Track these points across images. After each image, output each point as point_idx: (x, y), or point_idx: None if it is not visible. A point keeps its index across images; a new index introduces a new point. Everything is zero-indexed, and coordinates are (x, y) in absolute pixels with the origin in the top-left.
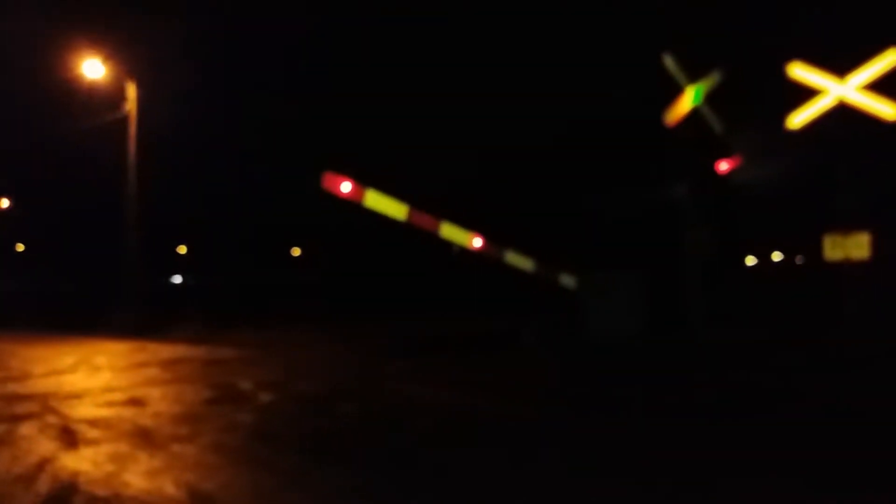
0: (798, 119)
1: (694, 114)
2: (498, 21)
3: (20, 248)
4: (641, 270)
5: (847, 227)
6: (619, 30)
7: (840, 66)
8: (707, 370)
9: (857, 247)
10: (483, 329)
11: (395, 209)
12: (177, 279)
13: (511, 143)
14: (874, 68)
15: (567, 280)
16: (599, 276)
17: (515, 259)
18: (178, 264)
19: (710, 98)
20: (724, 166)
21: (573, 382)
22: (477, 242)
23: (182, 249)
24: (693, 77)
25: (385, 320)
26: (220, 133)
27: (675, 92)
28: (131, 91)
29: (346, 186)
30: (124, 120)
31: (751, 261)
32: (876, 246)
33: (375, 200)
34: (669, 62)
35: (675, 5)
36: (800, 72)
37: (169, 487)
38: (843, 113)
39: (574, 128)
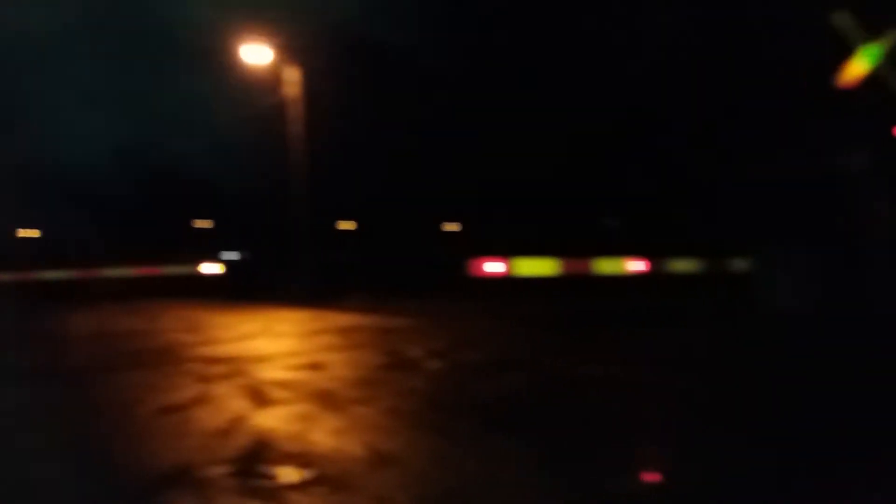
0: None
1: (872, 76)
2: None
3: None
4: (817, 244)
5: None
6: None
7: None
8: (879, 344)
9: None
10: (649, 304)
11: (546, 267)
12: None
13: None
14: None
15: (739, 263)
16: (774, 253)
17: (680, 265)
18: (343, 240)
19: (890, 58)
20: None
21: (745, 357)
22: (637, 265)
23: (347, 225)
24: (870, 36)
25: (542, 296)
26: (382, 116)
27: (849, 52)
28: (292, 75)
29: (491, 266)
30: (290, 102)
31: None
32: None
33: (524, 266)
34: (843, 19)
35: None
36: None
37: (353, 447)
38: None
39: (740, 95)
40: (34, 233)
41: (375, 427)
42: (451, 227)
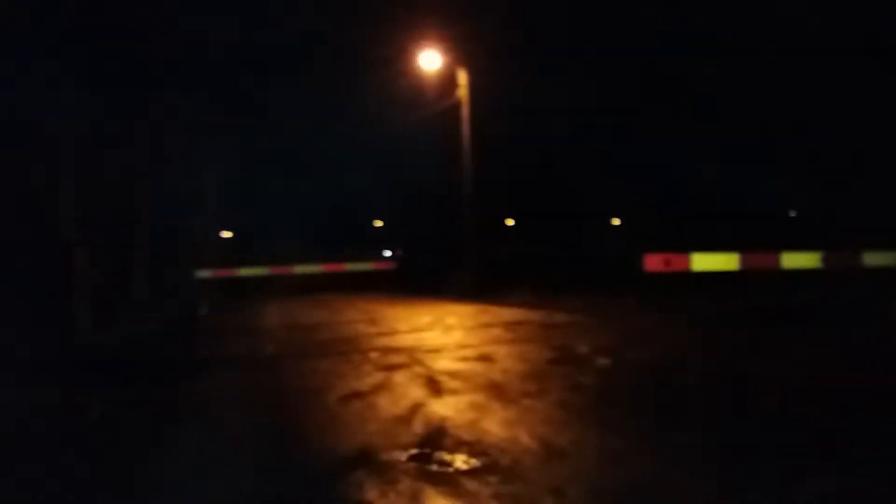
0: None
1: None
2: None
3: (378, 223)
4: None
5: None
6: None
7: None
8: None
9: None
10: (829, 300)
11: (725, 262)
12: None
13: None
14: None
15: None
16: None
17: (876, 258)
18: (507, 235)
19: None
20: None
21: None
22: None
23: (510, 222)
24: None
25: (703, 293)
26: (544, 115)
27: None
28: (463, 77)
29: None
30: (458, 105)
31: None
32: None
33: (701, 261)
34: None
35: None
36: None
37: (524, 438)
38: None
39: None
40: (227, 234)
41: (546, 420)
42: (616, 221)
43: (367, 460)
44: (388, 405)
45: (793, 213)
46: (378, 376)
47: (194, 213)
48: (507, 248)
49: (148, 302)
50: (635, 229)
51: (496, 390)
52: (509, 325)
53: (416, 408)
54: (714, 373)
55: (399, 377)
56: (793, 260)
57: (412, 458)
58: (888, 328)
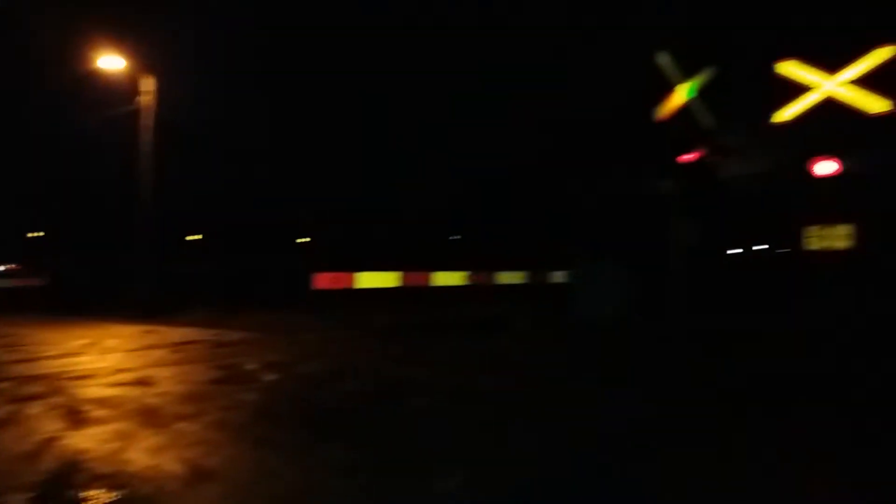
0: (786, 114)
1: (685, 109)
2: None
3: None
4: (628, 260)
5: (829, 218)
6: (610, 28)
7: (828, 63)
8: (671, 350)
9: (839, 237)
10: (478, 315)
11: (387, 280)
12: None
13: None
14: (862, 65)
15: (558, 276)
16: (587, 267)
17: (507, 277)
18: (190, 251)
19: (702, 94)
20: (710, 160)
21: (556, 360)
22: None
23: (193, 237)
24: (687, 73)
25: (379, 309)
26: (229, 129)
27: (666, 88)
28: (148, 84)
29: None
30: (138, 111)
31: (735, 251)
32: (857, 237)
33: (367, 279)
34: (663, 59)
35: (667, 3)
36: (789, 67)
37: (170, 464)
38: (829, 109)
39: (565, 128)
40: None
41: (198, 442)
42: (301, 240)
43: None
44: (12, 441)
45: (455, 238)
46: (4, 410)
47: None
48: (187, 265)
49: None
50: (316, 248)
51: (148, 416)
52: (177, 346)
53: (47, 443)
54: (375, 380)
55: (33, 409)
56: (444, 279)
57: (33, 499)
58: (515, 336)
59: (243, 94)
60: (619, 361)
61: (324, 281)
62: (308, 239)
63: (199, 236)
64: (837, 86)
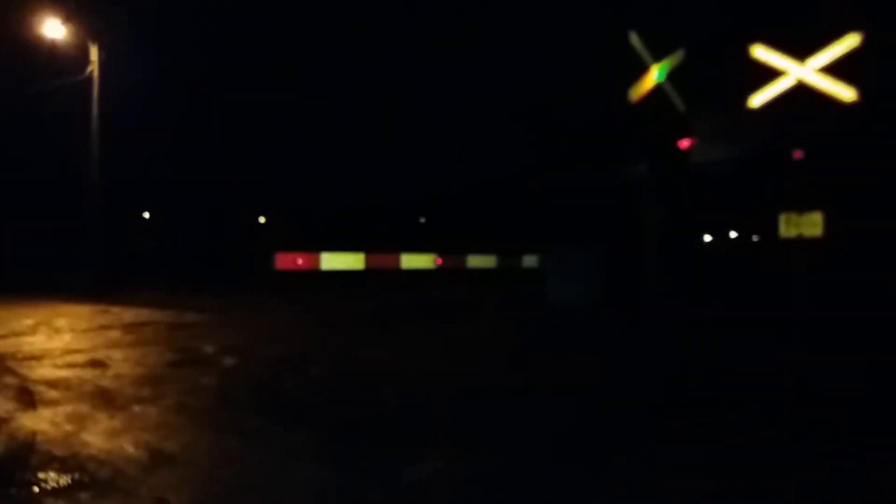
0: (758, 100)
1: (657, 91)
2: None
3: None
4: (600, 247)
5: (802, 205)
6: (582, 9)
7: (802, 48)
8: (638, 339)
9: (811, 225)
10: (446, 300)
11: (352, 261)
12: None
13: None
14: (833, 51)
15: (530, 260)
16: (560, 253)
17: (477, 261)
18: (143, 229)
19: (673, 76)
20: (684, 144)
21: (523, 347)
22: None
23: (146, 214)
24: (657, 55)
25: (344, 292)
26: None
27: (639, 70)
28: (94, 53)
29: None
30: (88, 82)
31: (707, 238)
32: (828, 225)
33: (330, 260)
34: (635, 39)
35: None
36: (761, 52)
37: (129, 447)
38: (802, 94)
39: (539, 110)
40: None
41: (157, 426)
42: (261, 219)
43: None
44: None
45: (422, 220)
46: None
47: None
48: (142, 243)
49: None
50: (276, 227)
51: (104, 398)
52: (131, 327)
53: None
54: (337, 365)
55: None
56: (411, 261)
57: None
58: (485, 320)
59: (192, 64)
60: (571, 354)
61: (287, 261)
62: (269, 218)
63: (154, 213)
64: (808, 72)
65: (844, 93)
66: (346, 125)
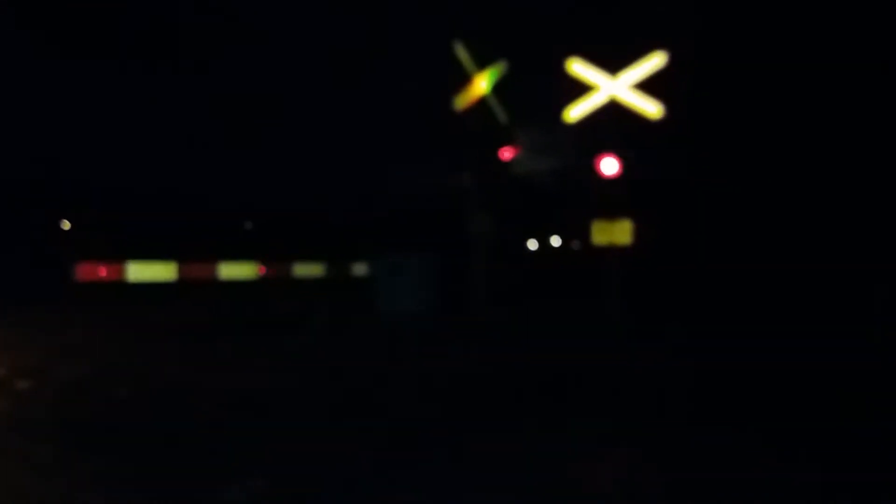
0: (573, 113)
1: (481, 102)
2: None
3: None
4: (432, 254)
5: (612, 214)
6: (408, 21)
7: (614, 64)
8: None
9: (620, 233)
10: (270, 311)
11: (162, 271)
12: None
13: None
14: (642, 68)
15: (359, 268)
16: (390, 259)
17: (303, 269)
18: None
19: (496, 88)
20: (506, 155)
21: (345, 357)
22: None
23: None
24: (482, 65)
25: (155, 304)
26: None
27: (464, 80)
28: None
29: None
30: None
31: (532, 245)
32: (637, 233)
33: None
34: (461, 50)
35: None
36: (577, 67)
37: None
38: (614, 109)
39: (371, 122)
40: None
41: None
42: (65, 225)
43: None
44: None
45: (248, 226)
46: None
47: None
48: None
49: None
50: (80, 234)
51: None
52: None
53: None
54: (148, 384)
55: None
56: (231, 270)
57: None
58: (309, 331)
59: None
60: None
61: (89, 272)
62: (71, 223)
63: None
64: (619, 87)
65: (650, 108)
66: (162, 117)
